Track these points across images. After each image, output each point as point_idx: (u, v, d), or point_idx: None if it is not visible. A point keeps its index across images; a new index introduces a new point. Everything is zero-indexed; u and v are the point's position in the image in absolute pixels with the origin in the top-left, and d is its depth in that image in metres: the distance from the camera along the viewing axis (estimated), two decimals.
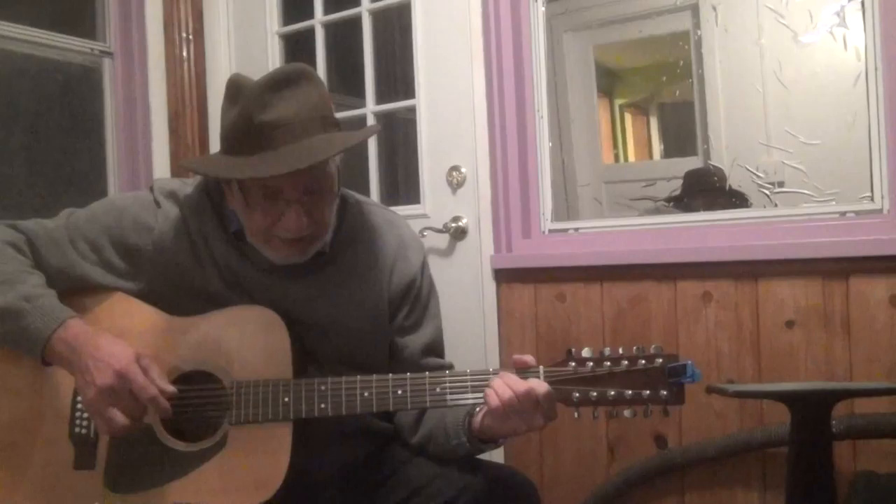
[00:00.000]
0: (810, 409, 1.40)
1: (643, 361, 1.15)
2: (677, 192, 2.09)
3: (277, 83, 1.17)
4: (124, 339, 1.25)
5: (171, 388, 1.20)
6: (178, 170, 2.50)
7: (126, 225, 1.29)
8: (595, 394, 1.15)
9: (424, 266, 1.41)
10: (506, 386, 1.13)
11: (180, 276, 1.29)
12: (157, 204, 1.31)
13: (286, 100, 1.16)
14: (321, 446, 1.28)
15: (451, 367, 1.36)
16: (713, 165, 2.05)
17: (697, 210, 2.00)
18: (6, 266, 1.23)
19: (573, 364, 1.16)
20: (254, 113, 1.15)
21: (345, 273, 1.32)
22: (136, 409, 1.17)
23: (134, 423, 1.18)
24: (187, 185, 1.34)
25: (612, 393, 1.15)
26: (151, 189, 1.35)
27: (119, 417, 1.16)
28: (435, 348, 1.39)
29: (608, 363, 1.16)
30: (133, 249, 1.29)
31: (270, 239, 1.23)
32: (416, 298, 1.37)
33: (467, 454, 1.25)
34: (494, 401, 1.13)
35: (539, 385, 1.13)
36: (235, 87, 1.19)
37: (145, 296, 1.30)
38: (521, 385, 1.12)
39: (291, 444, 1.20)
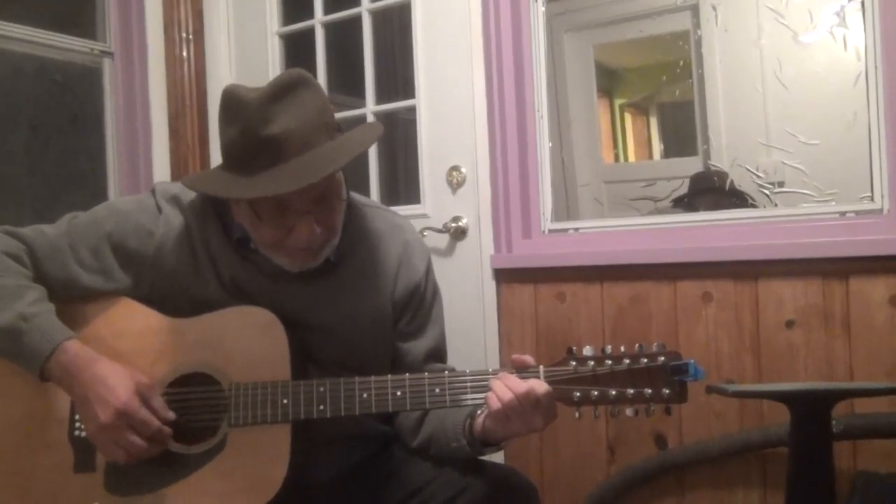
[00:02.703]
0: (810, 409, 1.40)
1: (645, 360, 1.15)
2: (681, 194, 2.09)
3: (277, 93, 1.14)
4: (124, 340, 1.26)
5: (171, 416, 1.21)
6: (178, 170, 2.50)
7: (128, 230, 1.28)
8: (596, 393, 1.15)
9: (429, 271, 1.40)
10: (506, 388, 1.12)
11: (181, 282, 1.28)
12: (159, 209, 1.30)
13: (288, 110, 1.14)
14: (321, 449, 1.28)
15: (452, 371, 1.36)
16: (713, 165, 2.05)
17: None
18: (4, 280, 1.22)
19: (574, 363, 1.16)
20: (257, 127, 1.13)
21: (349, 278, 1.32)
22: (137, 442, 1.17)
23: (138, 453, 1.18)
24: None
25: (614, 392, 1.14)
26: (153, 192, 1.33)
27: (121, 453, 1.17)
28: (438, 353, 1.39)
29: (609, 362, 1.15)
30: (134, 255, 1.28)
31: (281, 248, 1.22)
32: (419, 304, 1.37)
33: (468, 457, 1.25)
34: (495, 403, 1.13)
35: (539, 385, 1.12)
36: (233, 101, 1.16)
37: (146, 299, 1.29)
38: (521, 386, 1.12)
39: (291, 446, 1.20)
